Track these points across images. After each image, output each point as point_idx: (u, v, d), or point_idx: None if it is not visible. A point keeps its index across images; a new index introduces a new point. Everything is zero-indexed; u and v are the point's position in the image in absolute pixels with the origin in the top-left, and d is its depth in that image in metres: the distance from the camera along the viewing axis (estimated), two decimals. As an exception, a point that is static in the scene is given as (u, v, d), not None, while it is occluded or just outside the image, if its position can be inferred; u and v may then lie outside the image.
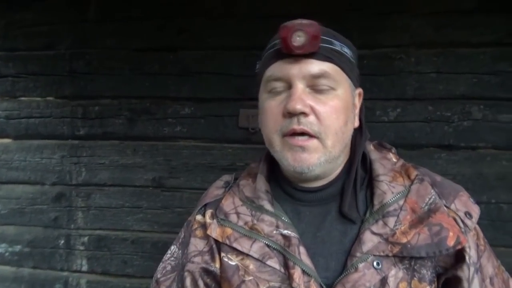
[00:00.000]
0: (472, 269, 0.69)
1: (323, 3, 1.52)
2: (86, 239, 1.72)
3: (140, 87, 1.67)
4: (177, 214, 1.66)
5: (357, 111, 0.78)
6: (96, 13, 1.70)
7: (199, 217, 0.82)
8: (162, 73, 1.65)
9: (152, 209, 1.68)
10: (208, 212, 0.81)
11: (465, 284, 0.68)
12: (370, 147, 0.81)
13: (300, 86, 0.69)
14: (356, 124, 0.77)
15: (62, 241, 1.74)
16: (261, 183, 0.79)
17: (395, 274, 0.67)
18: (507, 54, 1.43)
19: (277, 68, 0.71)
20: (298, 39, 0.66)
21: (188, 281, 0.77)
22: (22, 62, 1.75)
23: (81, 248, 1.73)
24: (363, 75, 1.43)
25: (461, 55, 1.46)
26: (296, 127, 0.68)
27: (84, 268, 1.72)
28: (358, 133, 0.79)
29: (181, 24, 1.63)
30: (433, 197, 0.71)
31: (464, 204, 0.72)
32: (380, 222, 0.70)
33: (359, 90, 0.79)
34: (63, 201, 1.74)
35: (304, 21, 0.68)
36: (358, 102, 0.78)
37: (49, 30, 1.73)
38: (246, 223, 0.76)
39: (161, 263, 0.85)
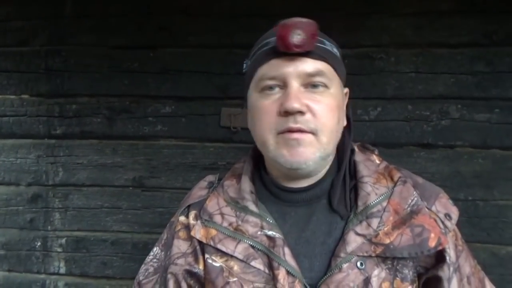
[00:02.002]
0: (451, 268, 0.70)
1: (303, 2, 1.52)
2: (63, 240, 1.68)
3: (119, 85, 1.63)
4: (158, 214, 1.64)
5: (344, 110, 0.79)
6: (73, 9, 1.65)
7: (182, 218, 0.81)
8: (142, 71, 1.62)
9: (132, 210, 1.65)
10: (192, 213, 0.80)
11: (445, 283, 0.70)
12: (355, 148, 0.82)
13: (295, 85, 0.68)
14: (344, 123, 0.78)
15: (39, 243, 1.70)
16: (246, 184, 0.78)
17: (378, 274, 0.68)
18: (483, 55, 1.47)
19: (271, 67, 0.70)
20: (297, 37, 0.66)
21: (171, 284, 0.76)
22: (-5, 59, 1.69)
23: (59, 250, 1.69)
24: None
25: (439, 55, 1.49)
26: (293, 125, 0.68)
27: (62, 270, 1.68)
28: (346, 131, 0.79)
29: (161, 21, 1.61)
30: (415, 198, 0.72)
31: (444, 206, 0.73)
32: (364, 223, 0.70)
33: (346, 89, 0.80)
34: (39, 202, 1.69)
35: (304, 20, 0.68)
36: (345, 102, 0.79)
37: (23, 26, 1.67)
38: (230, 224, 0.75)
39: (143, 265, 0.83)
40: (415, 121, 1.50)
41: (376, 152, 0.84)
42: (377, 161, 0.81)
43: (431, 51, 1.49)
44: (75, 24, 1.65)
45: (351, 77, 1.49)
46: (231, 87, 1.57)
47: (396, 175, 0.76)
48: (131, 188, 1.65)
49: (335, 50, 0.74)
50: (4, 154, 1.70)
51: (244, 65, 0.78)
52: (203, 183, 0.87)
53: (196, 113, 1.60)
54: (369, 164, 0.78)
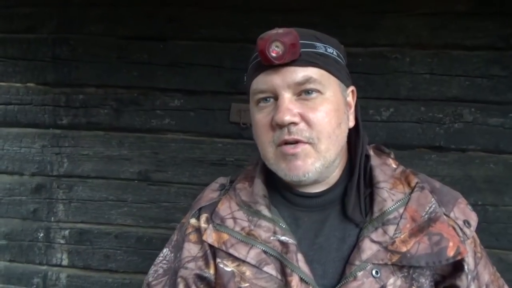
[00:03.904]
0: (469, 277, 0.69)
1: (319, -1, 1.49)
2: (67, 232, 1.67)
3: (127, 76, 1.60)
4: (164, 208, 1.62)
5: (351, 110, 0.76)
6: (82, -4, 1.62)
7: (193, 221, 0.80)
8: (151, 62, 1.59)
9: (137, 203, 1.63)
10: (203, 216, 0.79)
11: None
12: (371, 152, 0.79)
13: (286, 96, 0.68)
14: (352, 123, 0.76)
15: (42, 234, 1.68)
16: (259, 188, 0.77)
17: (393, 283, 0.66)
18: (500, 58, 1.45)
19: (261, 81, 0.70)
20: (276, 49, 0.65)
21: (181, 287, 0.75)
22: (1, 45, 1.65)
23: (62, 241, 1.67)
24: (357, 73, 1.46)
25: (454, 57, 1.46)
26: (287, 137, 0.67)
27: (64, 262, 1.67)
28: (354, 132, 0.77)
29: (172, 12, 1.57)
30: (434, 206, 0.71)
31: (463, 212, 0.72)
32: (380, 230, 0.69)
33: (352, 88, 0.77)
34: (43, 193, 1.67)
35: (280, 30, 0.67)
36: (352, 100, 0.77)
37: (31, 12, 1.63)
38: (243, 229, 0.74)
39: (152, 266, 0.83)
40: (427, 123, 1.48)
41: (392, 156, 0.82)
42: (394, 165, 0.79)
43: (447, 52, 1.47)
44: (84, 12, 1.62)
45: (365, 76, 1.50)
46: (242, 82, 1.53)
47: (413, 180, 0.75)
48: (136, 181, 1.63)
49: (329, 51, 0.71)
50: (8, 143, 1.68)
51: (245, 78, 0.78)
52: (215, 185, 0.86)
53: (205, 108, 1.58)
54: (385, 169, 0.76)
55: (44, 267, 1.68)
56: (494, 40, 1.45)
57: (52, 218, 1.67)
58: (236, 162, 1.56)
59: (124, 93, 1.61)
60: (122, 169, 1.63)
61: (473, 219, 0.72)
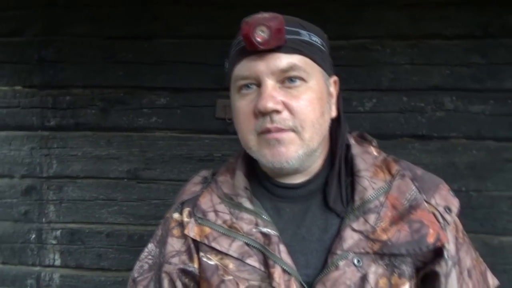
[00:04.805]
0: (450, 262, 0.69)
1: (300, -7, 1.51)
2: (58, 233, 1.67)
3: (114, 76, 1.62)
4: (154, 206, 1.63)
5: (334, 100, 0.76)
6: (66, -2, 1.63)
7: (176, 216, 0.79)
8: (137, 61, 1.60)
9: (127, 202, 1.64)
10: (186, 210, 0.78)
11: (442, 279, 0.69)
12: (352, 141, 0.79)
13: (269, 83, 0.66)
14: (334, 113, 0.75)
15: (33, 236, 1.69)
16: (240, 180, 0.77)
17: (375, 271, 0.67)
18: (479, 47, 1.47)
19: (244, 66, 0.68)
20: (262, 34, 0.63)
21: (165, 283, 0.75)
22: (-13, 49, 1.66)
23: (54, 242, 1.68)
24: (340, 65, 1.47)
25: (434, 47, 1.49)
26: (270, 125, 0.66)
27: (57, 262, 1.68)
28: (336, 123, 0.77)
29: (156, 11, 1.59)
30: (414, 193, 0.71)
31: (444, 198, 0.72)
32: (361, 219, 0.69)
33: (334, 78, 0.76)
34: (33, 194, 1.68)
35: (266, 15, 0.65)
36: (334, 90, 0.76)
37: (15, 15, 1.64)
38: (224, 222, 0.74)
39: (137, 262, 0.82)
40: (409, 113, 1.50)
41: (374, 144, 0.81)
42: (375, 153, 0.78)
43: (427, 42, 1.49)
44: (69, 13, 1.63)
45: (347, 69, 1.52)
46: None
47: (394, 168, 0.74)
48: (126, 180, 1.64)
49: (313, 39, 0.70)
50: (-3, 146, 1.69)
51: (225, 65, 0.76)
52: (197, 178, 0.85)
53: (192, 105, 1.59)
54: (366, 157, 0.76)
55: (37, 268, 1.69)
56: (472, 29, 1.47)
57: (44, 219, 1.68)
58: (223, 158, 1.57)
59: (110, 93, 1.63)
60: (111, 168, 1.64)
61: (455, 204, 0.72)
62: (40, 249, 1.69)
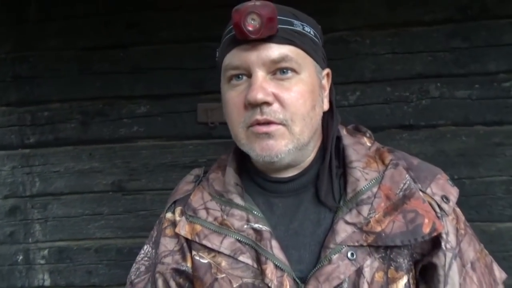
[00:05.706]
0: (449, 254, 0.66)
1: (274, -11, 1.48)
2: (46, 252, 1.63)
3: (91, 88, 1.58)
4: (141, 217, 1.59)
5: (326, 93, 0.73)
6: (37, 12, 1.59)
7: (169, 215, 0.79)
8: (113, 71, 1.57)
9: (114, 215, 1.60)
10: (178, 209, 0.78)
11: (441, 271, 0.66)
12: (343, 132, 0.76)
13: (260, 74, 0.64)
14: (326, 107, 0.73)
15: (21, 257, 1.65)
16: (230, 176, 0.75)
17: (370, 264, 0.64)
18: (460, 31, 1.44)
19: (234, 56, 0.66)
20: (253, 23, 0.61)
21: (160, 283, 0.74)
22: (-40, 70, 1.63)
23: (42, 262, 1.64)
24: None
25: (415, 34, 1.46)
26: (259, 117, 0.64)
27: (47, 282, 1.64)
28: (329, 116, 0.75)
29: (129, 18, 1.56)
30: (408, 182, 0.68)
31: (441, 188, 0.69)
32: (354, 211, 0.67)
33: (327, 70, 0.74)
34: (18, 214, 1.64)
35: (258, 3, 0.63)
36: (326, 83, 0.74)
37: (-14, 34, 1.61)
38: (215, 219, 0.72)
39: (134, 264, 0.81)
40: (395, 103, 1.47)
41: (368, 134, 0.79)
42: (368, 144, 0.76)
43: (406, 30, 1.46)
44: (41, 28, 1.59)
45: (328, 62, 1.47)
46: (206, 81, 1.53)
47: (388, 157, 0.72)
48: (111, 193, 1.60)
49: (306, 29, 0.68)
50: (-23, 168, 1.65)
51: (217, 54, 0.74)
52: (190, 177, 0.85)
53: (172, 111, 1.56)
54: (358, 148, 0.73)
55: (27, 290, 1.65)
56: (452, 13, 1.44)
57: (30, 239, 1.64)
58: (208, 163, 1.52)
59: (89, 105, 1.59)
60: (95, 182, 1.60)
61: (453, 194, 0.69)
62: (29, 270, 1.65)
